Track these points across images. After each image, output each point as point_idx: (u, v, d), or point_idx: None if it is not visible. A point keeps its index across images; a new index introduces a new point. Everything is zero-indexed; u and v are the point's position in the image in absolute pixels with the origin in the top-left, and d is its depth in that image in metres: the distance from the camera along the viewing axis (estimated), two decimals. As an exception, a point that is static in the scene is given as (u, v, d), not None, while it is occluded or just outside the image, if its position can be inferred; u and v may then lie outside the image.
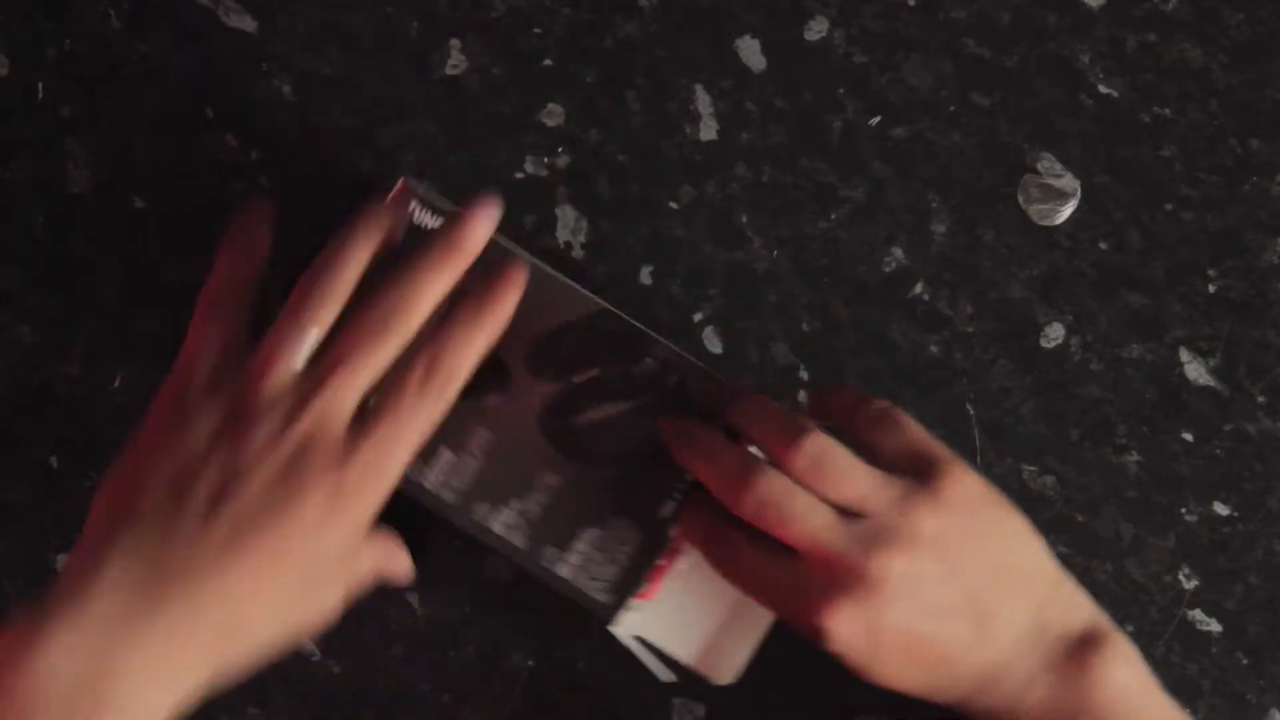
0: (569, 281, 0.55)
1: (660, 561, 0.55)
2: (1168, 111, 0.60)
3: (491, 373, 0.54)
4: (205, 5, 0.62)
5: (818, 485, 0.50)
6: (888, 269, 0.61)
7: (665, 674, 0.56)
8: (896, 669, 0.51)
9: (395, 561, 0.54)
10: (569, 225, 0.61)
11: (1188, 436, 0.60)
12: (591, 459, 0.54)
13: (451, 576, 0.60)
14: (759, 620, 0.55)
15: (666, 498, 0.54)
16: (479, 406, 0.54)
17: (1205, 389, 0.60)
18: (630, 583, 0.54)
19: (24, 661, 0.45)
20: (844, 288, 0.60)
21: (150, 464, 0.49)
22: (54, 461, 0.61)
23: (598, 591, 0.54)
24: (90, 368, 0.61)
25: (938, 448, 0.52)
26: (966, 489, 0.51)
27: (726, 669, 0.55)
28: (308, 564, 0.49)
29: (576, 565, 0.54)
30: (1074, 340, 0.60)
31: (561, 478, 0.54)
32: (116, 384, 0.61)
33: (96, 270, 0.61)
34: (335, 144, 0.61)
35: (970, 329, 0.60)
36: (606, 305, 0.55)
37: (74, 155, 0.62)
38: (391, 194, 0.54)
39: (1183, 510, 0.60)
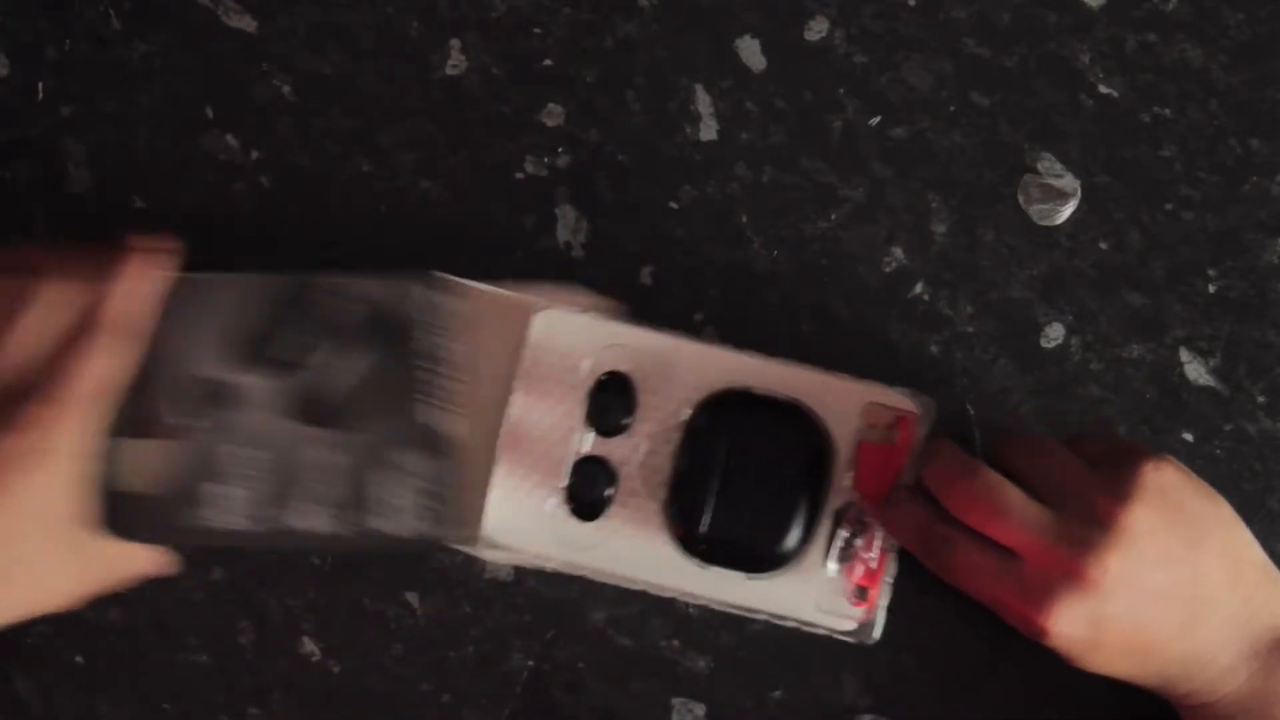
0: (233, 275, 0.55)
1: (862, 578, 0.56)
2: (1168, 111, 0.60)
3: (214, 391, 0.55)
4: (205, 5, 0.62)
5: (1027, 477, 0.53)
6: (888, 269, 0.61)
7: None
8: (1111, 657, 0.52)
9: (156, 561, 0.57)
10: (569, 225, 0.61)
11: (1188, 436, 0.60)
12: (345, 419, 0.55)
13: (451, 576, 0.60)
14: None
15: (415, 404, 0.55)
16: (217, 429, 0.55)
17: (1205, 389, 0.60)
18: (438, 498, 0.55)
19: None
20: (844, 288, 0.60)
21: None
22: (54, 461, 0.61)
23: (417, 524, 0.55)
24: (90, 368, 0.61)
25: (1133, 443, 0.54)
26: (1168, 477, 0.52)
27: (878, 629, 0.56)
28: None
29: (384, 514, 0.55)
30: (1074, 340, 0.60)
31: (325, 448, 0.55)
32: (116, 384, 0.61)
33: (96, 270, 0.61)
34: (335, 144, 0.61)
35: (970, 329, 0.60)
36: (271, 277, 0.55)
37: (74, 155, 0.62)
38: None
39: (1183, 510, 0.60)
